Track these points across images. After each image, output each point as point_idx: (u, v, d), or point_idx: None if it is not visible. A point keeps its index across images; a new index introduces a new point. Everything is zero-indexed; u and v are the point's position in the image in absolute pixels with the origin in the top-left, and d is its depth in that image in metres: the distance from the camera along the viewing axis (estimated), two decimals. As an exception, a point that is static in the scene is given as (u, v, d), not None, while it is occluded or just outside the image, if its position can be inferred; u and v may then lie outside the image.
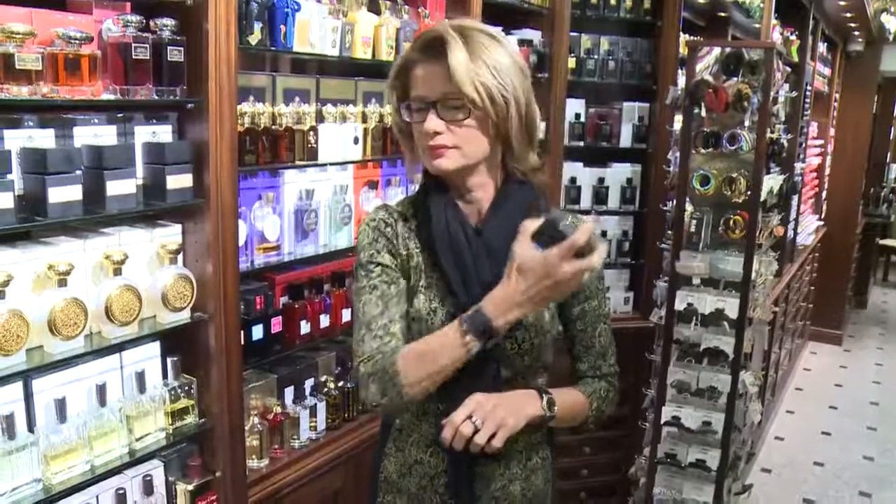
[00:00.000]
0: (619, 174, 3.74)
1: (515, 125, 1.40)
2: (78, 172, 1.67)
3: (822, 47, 6.01)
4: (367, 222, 1.51)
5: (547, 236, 1.24)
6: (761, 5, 4.24)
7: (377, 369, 1.39)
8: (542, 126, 1.51)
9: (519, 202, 1.47)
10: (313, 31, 2.23)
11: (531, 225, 1.26)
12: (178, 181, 1.86)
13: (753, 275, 2.78)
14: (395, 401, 1.38)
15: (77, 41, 1.63)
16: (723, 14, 4.10)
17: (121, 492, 1.81)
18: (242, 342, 2.09)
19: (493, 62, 1.35)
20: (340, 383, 2.53)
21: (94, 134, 1.79)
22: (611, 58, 3.62)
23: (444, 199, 1.46)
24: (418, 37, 1.43)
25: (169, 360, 1.96)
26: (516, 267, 1.28)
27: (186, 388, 1.98)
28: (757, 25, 4.35)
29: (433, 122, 1.37)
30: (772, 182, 3.00)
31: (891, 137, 9.93)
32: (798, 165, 5.18)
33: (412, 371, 1.35)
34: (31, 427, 1.70)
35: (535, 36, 3.28)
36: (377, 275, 1.47)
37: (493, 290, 1.32)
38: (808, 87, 5.40)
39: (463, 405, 1.32)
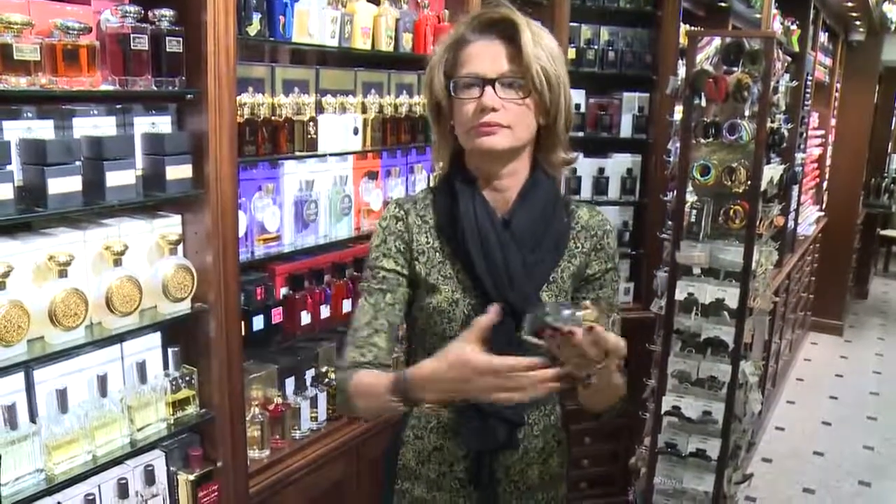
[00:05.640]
0: (619, 164, 3.74)
1: (564, 113, 1.43)
2: (77, 163, 1.67)
3: (823, 37, 5.99)
4: (381, 221, 1.53)
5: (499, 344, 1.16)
6: (762, -5, 4.23)
7: (341, 383, 1.45)
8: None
9: (545, 194, 1.50)
10: (312, 22, 2.23)
11: (485, 321, 1.19)
12: (178, 172, 1.86)
13: (754, 265, 2.77)
14: (357, 415, 1.48)
15: (75, 32, 1.63)
16: (723, 4, 4.07)
17: (122, 482, 1.82)
18: (243, 333, 2.10)
19: (549, 49, 1.39)
20: (341, 374, 2.53)
21: (94, 125, 1.79)
22: (611, 48, 3.61)
23: (472, 189, 1.47)
24: (476, 15, 1.43)
25: (170, 350, 1.97)
26: (457, 360, 1.20)
27: (187, 378, 1.98)
28: (758, 15, 4.34)
29: (490, 97, 1.37)
30: (772, 172, 2.99)
31: (892, 128, 9.90)
32: (799, 155, 5.17)
33: (359, 401, 1.42)
34: (32, 417, 1.71)
35: (534, 26, 3.27)
36: (377, 281, 1.49)
37: (424, 363, 1.27)
38: (809, 77, 5.38)
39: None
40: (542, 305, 1.18)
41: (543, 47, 1.38)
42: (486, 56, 1.39)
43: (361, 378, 1.41)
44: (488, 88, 1.37)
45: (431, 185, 1.64)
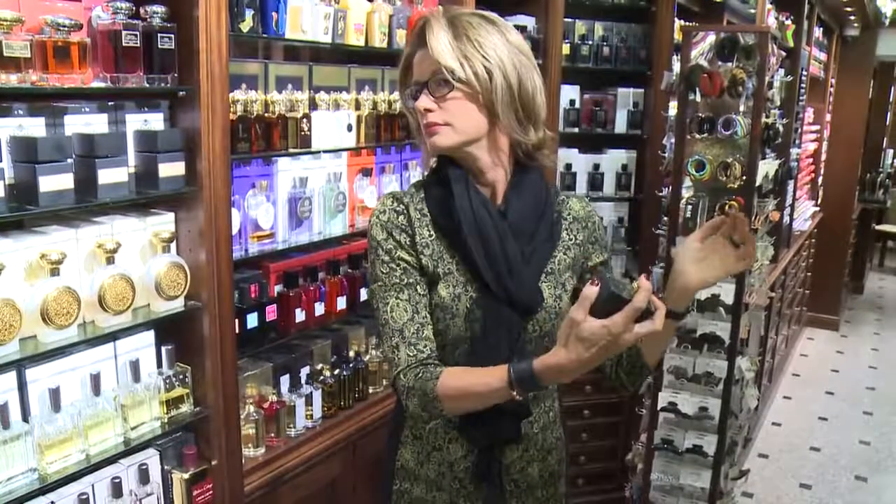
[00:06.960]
0: (614, 160, 3.74)
1: (504, 98, 1.40)
2: (69, 161, 1.66)
3: (817, 32, 5.98)
4: (378, 215, 1.49)
5: (604, 304, 1.19)
6: (757, -10, 4.23)
7: (417, 388, 1.39)
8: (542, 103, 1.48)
9: (535, 184, 1.50)
10: (305, 18, 2.22)
11: (590, 293, 1.19)
12: (171, 169, 1.85)
13: (749, 260, 2.77)
14: (436, 418, 1.45)
15: (66, 28, 1.62)
16: (718, -1, 4.08)
17: (116, 480, 1.81)
18: (237, 330, 2.09)
19: (476, 37, 1.38)
20: (336, 371, 2.53)
21: (85, 122, 1.78)
22: (605, 43, 3.61)
23: (465, 179, 1.46)
24: (412, 29, 1.46)
25: (163, 348, 1.96)
26: (578, 337, 1.20)
27: (181, 376, 1.97)
28: (752, 10, 4.34)
29: (422, 100, 1.41)
30: (767, 167, 2.99)
31: (887, 122, 9.91)
32: (794, 151, 5.17)
33: (452, 403, 1.38)
34: (25, 416, 1.70)
35: (529, 22, 3.27)
36: (402, 273, 1.46)
37: (545, 357, 1.26)
38: (804, 72, 5.38)
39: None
40: (607, 287, 1.21)
41: (469, 36, 1.37)
42: (420, 62, 1.42)
43: (452, 380, 1.37)
44: (424, 92, 1.41)
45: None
